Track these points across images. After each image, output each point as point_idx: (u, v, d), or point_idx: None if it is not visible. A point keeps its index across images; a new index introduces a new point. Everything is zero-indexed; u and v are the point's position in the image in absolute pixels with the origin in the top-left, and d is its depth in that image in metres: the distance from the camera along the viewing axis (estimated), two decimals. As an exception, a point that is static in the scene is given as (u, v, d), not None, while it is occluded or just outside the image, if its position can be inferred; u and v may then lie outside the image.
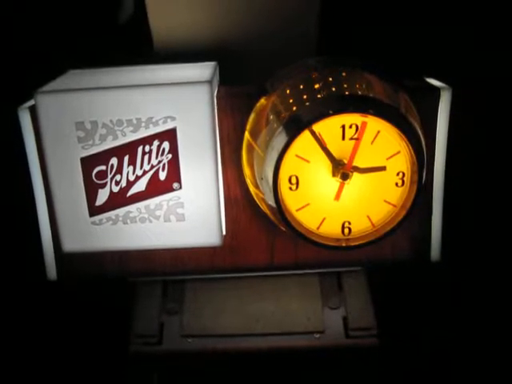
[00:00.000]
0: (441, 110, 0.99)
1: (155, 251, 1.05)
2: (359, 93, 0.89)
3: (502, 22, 1.23)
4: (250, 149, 0.97)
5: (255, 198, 1.02)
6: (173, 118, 0.92)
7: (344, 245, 0.96)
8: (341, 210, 0.94)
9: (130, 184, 0.96)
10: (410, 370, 1.13)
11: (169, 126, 0.93)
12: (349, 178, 0.90)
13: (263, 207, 1.00)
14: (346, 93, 0.89)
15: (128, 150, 0.94)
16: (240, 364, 1.06)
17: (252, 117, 0.98)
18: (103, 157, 0.94)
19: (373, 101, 0.87)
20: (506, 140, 1.25)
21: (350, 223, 0.95)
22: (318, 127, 0.87)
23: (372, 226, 0.96)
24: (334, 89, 0.91)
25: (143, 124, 0.93)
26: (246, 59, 1.12)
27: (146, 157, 0.94)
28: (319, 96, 0.89)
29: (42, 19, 1.26)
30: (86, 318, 1.20)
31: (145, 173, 0.95)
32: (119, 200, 0.97)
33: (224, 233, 1.03)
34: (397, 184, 0.93)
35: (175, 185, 0.96)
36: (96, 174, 0.95)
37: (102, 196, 0.96)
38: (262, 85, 0.99)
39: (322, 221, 0.95)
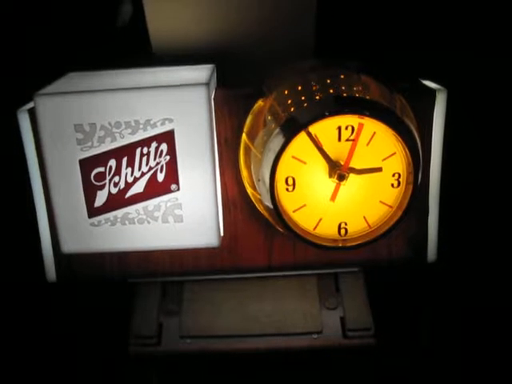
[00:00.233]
0: (436, 111, 1.00)
1: (154, 252, 1.06)
2: (355, 95, 0.90)
3: (497, 24, 1.23)
4: (248, 150, 0.98)
5: (252, 199, 1.02)
6: (171, 120, 0.93)
7: (340, 245, 0.96)
8: (337, 210, 0.95)
9: (128, 185, 0.96)
10: (407, 370, 1.14)
11: (167, 127, 0.94)
12: (345, 179, 0.91)
13: (260, 208, 1.01)
14: (342, 94, 0.90)
15: (126, 152, 0.95)
16: (238, 364, 1.07)
17: (249, 119, 0.99)
18: (102, 159, 0.95)
19: (369, 102, 0.88)
20: (501, 141, 1.26)
21: (346, 224, 0.96)
22: (315, 129, 0.88)
23: (368, 227, 0.96)
24: (330, 91, 0.91)
25: (141, 126, 0.93)
26: (243, 61, 1.12)
27: (145, 158, 0.95)
28: (316, 98, 0.90)
29: (41, 22, 1.27)
30: (86, 319, 1.21)
31: (143, 174, 0.96)
32: (118, 201, 0.97)
33: (222, 234, 1.03)
34: (393, 185, 0.93)
35: (173, 186, 0.97)
36: (95, 176, 0.96)
37: (101, 197, 0.97)
38: (259, 87, 0.99)
39: (319, 221, 0.96)
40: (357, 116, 0.87)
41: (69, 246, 1.00)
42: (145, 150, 0.95)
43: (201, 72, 1.01)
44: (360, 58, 1.00)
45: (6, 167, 1.23)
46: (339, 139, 0.90)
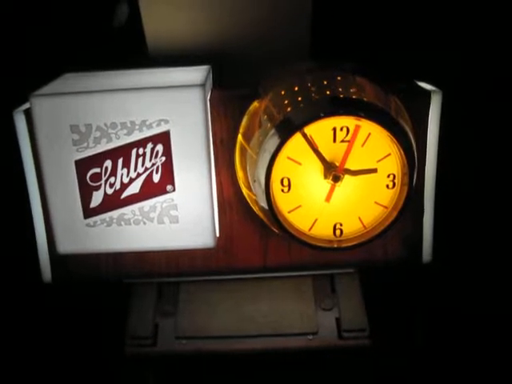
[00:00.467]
0: (431, 112, 1.00)
1: (149, 253, 1.06)
2: (350, 96, 0.90)
3: (493, 25, 1.23)
4: (243, 151, 0.98)
5: (248, 200, 1.03)
6: (166, 121, 0.93)
7: (336, 246, 0.97)
8: (332, 211, 0.95)
9: (124, 186, 0.97)
10: (403, 371, 1.14)
11: (162, 128, 0.94)
12: (340, 180, 0.91)
13: (256, 209, 1.01)
14: (337, 96, 0.90)
15: (122, 153, 0.95)
16: (234, 365, 1.07)
17: (245, 119, 0.99)
18: (98, 159, 0.95)
19: (364, 104, 0.88)
20: (496, 142, 1.26)
21: (341, 225, 0.96)
22: (310, 130, 0.88)
23: (363, 228, 0.97)
24: (326, 92, 0.91)
25: (137, 127, 0.93)
26: (238, 62, 1.13)
27: (140, 159, 0.95)
28: (311, 99, 0.90)
29: (38, 23, 1.27)
30: (81, 320, 1.20)
31: (139, 175, 0.96)
32: (113, 202, 0.97)
33: (217, 235, 1.03)
34: (388, 186, 0.94)
35: (169, 187, 0.97)
36: (90, 177, 0.96)
37: (97, 198, 0.97)
38: (254, 88, 1.00)
39: (314, 222, 0.96)
40: (353, 117, 0.87)
41: (64, 246, 1.00)
42: (140, 151, 0.95)
43: (196, 73, 1.02)
44: (355, 59, 1.00)
45: (2, 168, 1.23)
46: (334, 140, 0.90)
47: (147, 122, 0.93)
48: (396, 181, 0.93)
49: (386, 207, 0.95)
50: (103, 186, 0.97)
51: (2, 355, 1.17)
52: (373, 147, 0.91)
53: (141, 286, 1.12)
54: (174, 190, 0.97)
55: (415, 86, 1.04)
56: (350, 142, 0.90)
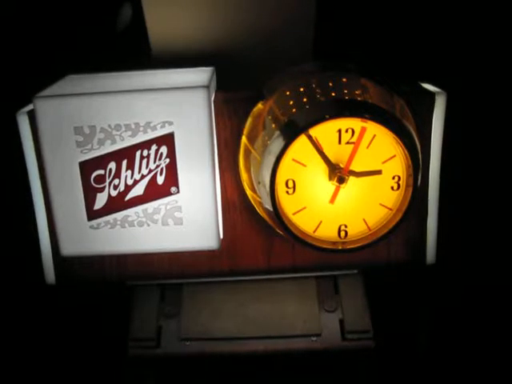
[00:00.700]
0: (436, 114, 1.00)
1: (153, 255, 1.06)
2: (356, 98, 0.90)
3: (497, 27, 1.23)
4: (247, 153, 0.98)
5: (252, 202, 1.02)
6: (170, 123, 0.93)
7: (340, 248, 0.97)
8: (337, 213, 0.95)
9: (128, 188, 0.96)
10: (406, 373, 1.14)
11: (167, 130, 0.93)
12: (345, 182, 0.91)
13: (260, 211, 1.01)
14: (343, 97, 0.90)
15: (126, 155, 0.94)
16: (237, 367, 1.06)
17: (249, 121, 0.99)
18: (102, 161, 0.95)
19: (369, 105, 0.88)
20: (500, 144, 1.26)
21: (346, 226, 0.96)
22: (315, 131, 0.88)
23: (368, 229, 0.96)
24: (330, 93, 0.91)
25: (141, 128, 0.93)
26: (242, 64, 1.12)
27: (144, 161, 0.95)
28: (316, 101, 0.90)
29: (42, 24, 1.27)
30: (84, 322, 1.20)
31: (143, 177, 0.96)
32: (117, 204, 0.97)
33: (221, 236, 1.03)
34: (392, 187, 0.94)
35: (173, 189, 0.97)
36: (94, 179, 0.96)
37: (101, 200, 0.97)
38: (258, 89, 0.99)
39: (319, 224, 0.96)
40: (359, 119, 0.87)
41: (68, 248, 1.00)
42: (145, 153, 0.94)
43: (201, 74, 1.01)
44: (359, 60, 1.00)
45: (5, 170, 1.22)
46: (339, 142, 0.90)
47: (151, 124, 0.93)
48: (401, 182, 0.93)
49: (390, 209, 0.95)
50: (107, 187, 0.96)
51: (5, 356, 1.17)
52: (378, 149, 0.91)
53: (144, 288, 1.12)
54: (178, 191, 0.97)
55: (419, 88, 1.03)
56: (356, 144, 0.89)
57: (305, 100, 0.91)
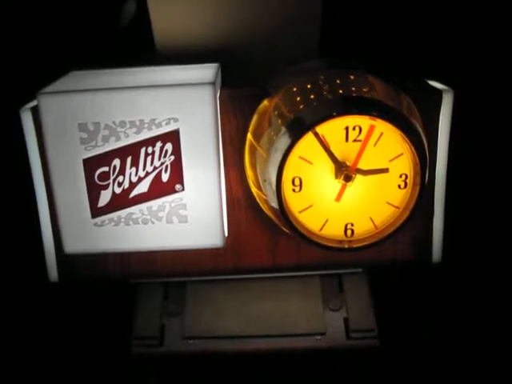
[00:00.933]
0: (443, 112, 1.00)
1: (157, 253, 1.05)
2: (363, 95, 0.89)
3: (505, 24, 1.23)
4: (253, 150, 0.97)
5: (257, 200, 1.02)
6: (176, 120, 0.92)
7: (347, 246, 0.96)
8: (343, 211, 0.95)
9: (132, 185, 0.96)
10: (411, 372, 1.13)
11: (172, 127, 0.93)
12: (351, 180, 0.90)
13: (265, 209, 1.00)
14: (350, 95, 0.89)
15: (131, 152, 0.94)
16: (241, 365, 1.06)
17: (255, 118, 0.98)
18: (106, 158, 0.94)
19: (376, 103, 0.87)
20: (508, 142, 1.25)
21: (352, 225, 0.96)
22: (322, 129, 0.88)
23: (375, 228, 0.96)
24: (338, 91, 0.91)
25: (146, 125, 0.92)
26: (248, 61, 1.12)
27: (149, 158, 0.94)
28: (323, 98, 0.89)
29: (45, 20, 1.26)
30: (87, 320, 1.20)
31: (147, 174, 0.95)
32: (121, 201, 0.97)
33: (226, 234, 1.03)
34: (399, 186, 0.93)
35: (178, 186, 0.96)
36: (98, 176, 0.95)
37: (105, 197, 0.96)
38: (264, 86, 0.99)
39: (325, 222, 0.95)
40: (368, 117, 0.86)
41: (71, 246, 0.99)
42: (149, 150, 0.94)
43: (206, 71, 1.00)
44: (365, 58, 0.99)
45: (9, 166, 1.22)
46: (346, 139, 0.89)
47: (156, 121, 0.92)
48: (408, 181, 0.92)
49: (397, 207, 0.94)
50: (111, 185, 0.96)
51: (7, 354, 1.16)
52: (385, 147, 0.90)
53: (148, 286, 1.11)
54: (182, 189, 0.96)
55: (426, 85, 1.03)
56: (364, 142, 0.89)
57: (312, 97, 0.90)
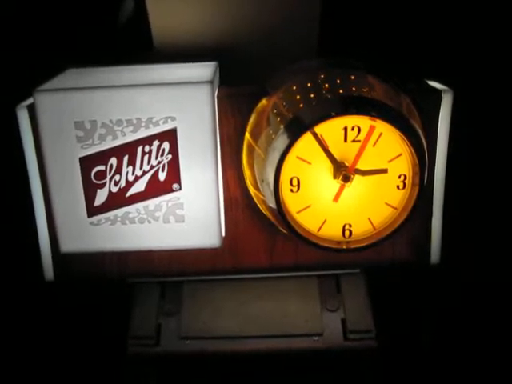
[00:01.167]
0: (442, 112, 0.99)
1: (154, 252, 1.05)
2: (361, 95, 0.89)
3: (505, 25, 1.22)
4: (251, 150, 0.97)
5: (255, 200, 1.01)
6: (173, 119, 0.92)
7: (345, 247, 0.96)
8: (342, 212, 0.94)
9: (129, 184, 0.95)
10: (409, 373, 1.13)
11: (169, 126, 0.92)
12: (350, 181, 0.90)
13: (263, 209, 1.00)
14: (349, 95, 0.88)
15: (128, 150, 0.93)
16: (238, 366, 1.06)
17: (253, 117, 0.97)
18: (102, 157, 0.93)
19: (375, 103, 0.87)
20: (507, 142, 1.25)
21: (350, 225, 0.95)
22: (320, 129, 0.87)
23: (373, 229, 0.95)
24: (335, 90, 0.90)
25: (143, 124, 0.92)
26: (246, 59, 1.11)
27: (146, 157, 0.94)
28: (322, 97, 0.89)
29: (41, 17, 1.25)
30: (84, 319, 1.20)
31: (144, 173, 0.95)
32: (118, 200, 0.96)
33: (223, 234, 1.02)
34: (398, 186, 0.93)
35: (175, 186, 0.95)
36: (95, 174, 0.94)
37: (101, 196, 0.96)
38: (262, 85, 0.98)
39: (323, 223, 0.95)
40: (366, 117, 0.86)
41: (67, 245, 0.99)
42: (146, 149, 0.93)
43: (204, 69, 1.00)
44: (365, 57, 0.99)
45: (4, 164, 1.21)
46: (345, 140, 0.89)
47: (154, 119, 0.92)
48: (407, 181, 0.92)
49: (396, 208, 0.94)
50: (108, 183, 0.95)
51: (3, 354, 1.16)
52: (384, 147, 0.90)
53: (144, 285, 1.11)
54: (180, 188, 0.95)
55: (426, 86, 1.02)
56: (363, 143, 0.88)
57: (312, 96, 0.89)
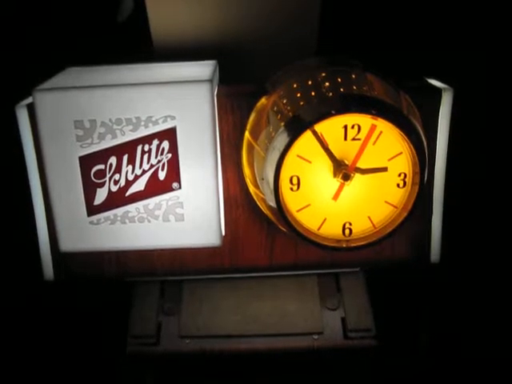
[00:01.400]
0: (442, 110, 0.99)
1: (153, 251, 1.05)
2: (361, 93, 0.89)
3: (505, 23, 1.22)
4: (251, 148, 0.97)
5: (255, 198, 1.01)
6: (172, 117, 0.92)
7: (344, 246, 0.96)
8: (342, 210, 0.94)
9: (128, 183, 0.95)
10: (408, 372, 1.13)
11: (168, 125, 0.92)
12: (350, 179, 0.90)
13: (263, 207, 1.00)
14: (349, 93, 0.88)
15: (127, 149, 0.93)
16: (238, 365, 1.06)
17: (252, 116, 0.97)
18: (102, 156, 0.93)
19: (375, 101, 0.87)
20: (507, 141, 1.25)
21: (350, 224, 0.95)
22: (320, 127, 0.87)
23: (373, 227, 0.95)
24: (336, 89, 0.90)
25: (143, 123, 0.92)
26: (246, 58, 1.11)
27: (146, 156, 0.93)
28: (321, 96, 0.88)
29: (41, 16, 1.25)
30: (83, 319, 1.19)
31: (144, 172, 0.94)
32: (118, 199, 0.96)
33: (223, 233, 1.02)
34: (398, 185, 0.92)
35: (174, 184, 0.95)
36: (94, 173, 0.94)
37: (101, 195, 0.95)
38: (262, 84, 0.98)
39: (323, 221, 0.95)
40: (366, 116, 0.85)
41: (67, 244, 0.98)
42: (146, 148, 0.93)
43: (203, 68, 1.00)
44: (364, 56, 0.99)
45: (4, 164, 1.21)
46: (345, 138, 0.89)
47: (153, 118, 0.91)
48: (407, 180, 0.92)
49: (396, 207, 0.94)
50: (107, 182, 0.95)
51: (2, 353, 1.16)
52: (384, 146, 0.89)
53: (144, 285, 1.11)
54: (179, 187, 0.95)
55: (426, 84, 1.02)
56: (364, 142, 0.88)
57: (310, 95, 0.89)
